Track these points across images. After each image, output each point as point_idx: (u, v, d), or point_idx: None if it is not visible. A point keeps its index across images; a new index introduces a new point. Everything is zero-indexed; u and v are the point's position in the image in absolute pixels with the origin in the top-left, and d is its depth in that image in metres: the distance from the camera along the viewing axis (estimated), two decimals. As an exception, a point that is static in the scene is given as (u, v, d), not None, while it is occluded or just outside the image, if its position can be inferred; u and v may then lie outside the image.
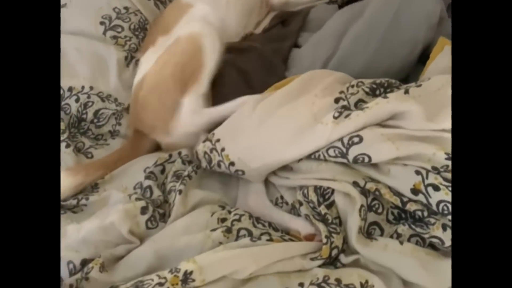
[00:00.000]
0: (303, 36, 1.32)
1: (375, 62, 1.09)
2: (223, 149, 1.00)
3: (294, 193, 0.99)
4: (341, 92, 0.97)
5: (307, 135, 0.92)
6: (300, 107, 0.96)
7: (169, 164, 1.13)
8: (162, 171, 1.12)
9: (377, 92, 0.95)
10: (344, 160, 0.90)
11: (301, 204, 0.95)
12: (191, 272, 0.80)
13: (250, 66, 1.18)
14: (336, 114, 0.91)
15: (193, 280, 0.80)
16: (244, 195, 1.05)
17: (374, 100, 0.90)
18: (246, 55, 1.22)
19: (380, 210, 0.89)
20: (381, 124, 0.91)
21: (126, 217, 0.96)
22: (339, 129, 0.90)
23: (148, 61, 1.27)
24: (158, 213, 1.00)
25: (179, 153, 1.14)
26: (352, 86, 0.98)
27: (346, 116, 0.90)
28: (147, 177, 1.08)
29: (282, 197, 1.02)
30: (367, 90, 0.95)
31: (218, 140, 1.02)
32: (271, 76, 1.15)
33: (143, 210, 0.98)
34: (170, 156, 1.13)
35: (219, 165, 1.02)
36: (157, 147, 1.25)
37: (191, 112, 1.15)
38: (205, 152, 1.03)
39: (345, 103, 0.93)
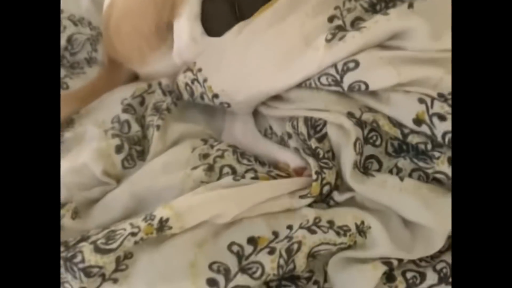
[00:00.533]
0: None
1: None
2: (205, 80, 0.89)
3: (283, 124, 0.89)
4: (336, 7, 0.84)
5: (296, 62, 0.81)
6: (289, 29, 0.84)
7: (148, 95, 1.02)
8: (141, 103, 1.02)
9: (378, 7, 0.82)
10: (339, 89, 0.80)
11: (290, 136, 0.86)
12: (167, 220, 0.72)
13: None
14: (329, 37, 0.79)
15: (170, 228, 0.72)
16: (230, 125, 0.95)
17: (373, 18, 0.78)
18: None
19: (378, 142, 0.80)
20: (381, 46, 0.78)
21: (99, 157, 0.87)
22: (332, 54, 0.78)
23: None
24: (136, 150, 0.91)
25: (159, 83, 1.03)
26: (350, 0, 0.84)
27: (341, 39, 0.78)
28: (124, 110, 0.98)
29: (271, 128, 0.92)
30: (366, 6, 0.82)
31: (200, 70, 0.91)
32: None
33: (118, 149, 0.89)
34: (150, 86, 1.03)
35: (202, 97, 0.92)
36: (136, 77, 1.13)
37: (189, 39, 0.98)
38: (186, 84, 0.93)
39: (340, 22, 0.81)
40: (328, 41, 0.79)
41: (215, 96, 0.89)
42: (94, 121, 1.01)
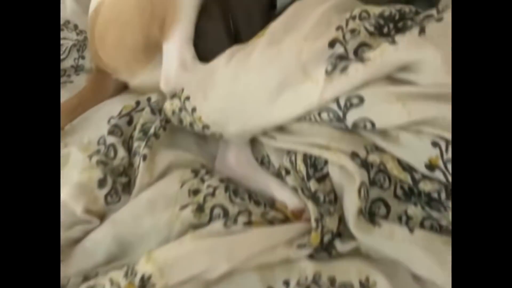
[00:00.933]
0: None
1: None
2: (194, 109, 0.81)
3: (281, 155, 0.80)
4: (338, 28, 0.74)
5: (293, 94, 0.73)
6: (285, 54, 0.74)
7: (136, 113, 0.94)
8: (129, 122, 0.94)
9: (385, 29, 0.72)
10: (341, 125, 0.70)
11: (288, 172, 0.78)
12: (149, 277, 0.65)
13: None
14: (330, 68, 0.70)
15: (153, 285, 0.65)
16: (224, 151, 0.87)
17: (380, 48, 0.68)
18: None
19: (386, 185, 0.71)
20: (388, 78, 0.69)
21: (80, 193, 0.81)
22: (333, 88, 0.69)
23: None
24: (120, 183, 0.83)
25: (148, 100, 0.94)
26: (354, 18, 0.75)
27: (343, 71, 0.69)
28: (110, 132, 0.91)
29: (268, 156, 0.83)
30: (372, 29, 0.72)
31: (187, 98, 0.82)
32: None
33: (101, 183, 0.82)
34: (138, 103, 0.94)
35: (191, 126, 0.84)
36: (126, 85, 1.05)
37: (178, 65, 0.89)
38: (173, 112, 0.84)
39: (341, 50, 0.71)
40: (328, 73, 0.69)
41: (206, 127, 0.81)
42: (79, 142, 0.94)
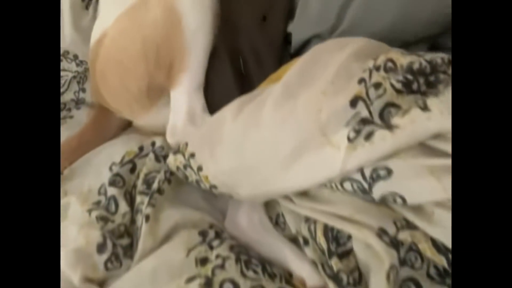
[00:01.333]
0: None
1: (415, 4, 0.74)
2: (199, 168, 0.73)
3: (298, 220, 0.72)
4: (361, 81, 0.65)
5: (311, 159, 0.64)
6: (301, 112, 0.66)
7: (140, 159, 0.86)
8: (132, 170, 0.86)
9: (414, 86, 0.63)
10: (367, 198, 0.62)
11: (306, 242, 0.69)
12: None
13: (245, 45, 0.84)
14: (352, 135, 0.61)
15: None
16: (235, 209, 0.79)
17: (410, 114, 0.59)
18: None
19: (418, 264, 0.62)
20: (420, 146, 0.60)
21: (77, 260, 0.74)
22: (357, 157, 0.61)
23: (107, 7, 0.94)
24: (121, 246, 0.76)
25: (153, 144, 0.87)
26: (378, 69, 0.65)
27: (367, 138, 0.60)
28: (111, 183, 0.84)
29: (283, 216, 0.75)
30: (399, 86, 0.62)
31: (192, 155, 0.74)
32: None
33: (100, 248, 0.75)
34: (141, 149, 0.87)
35: (198, 184, 0.75)
36: (129, 123, 0.97)
37: (186, 117, 0.83)
38: (178, 168, 0.76)
39: (365, 113, 0.62)
40: (351, 140, 0.60)
41: (213, 187, 0.73)
42: (79, 190, 0.87)
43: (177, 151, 0.77)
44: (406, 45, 0.77)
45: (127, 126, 0.98)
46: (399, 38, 0.75)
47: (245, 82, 0.82)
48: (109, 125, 0.95)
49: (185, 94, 0.82)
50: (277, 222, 0.77)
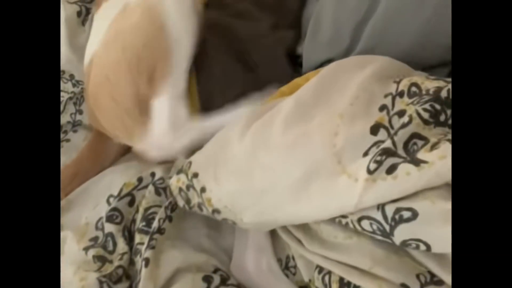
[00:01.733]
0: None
1: (435, 27, 0.66)
2: (203, 189, 0.66)
3: (310, 265, 0.64)
4: (383, 108, 0.58)
5: (323, 187, 0.56)
6: (315, 134, 0.59)
7: (139, 191, 0.80)
8: (131, 203, 0.80)
9: (442, 117, 0.55)
10: (388, 240, 0.54)
11: (320, 294, 0.61)
12: None
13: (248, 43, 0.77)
14: (373, 166, 0.53)
15: None
16: (241, 250, 0.71)
17: (439, 149, 0.51)
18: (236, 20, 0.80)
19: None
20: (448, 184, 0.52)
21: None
22: (377, 192, 0.53)
23: (99, 26, 0.87)
24: (119, 294, 0.69)
25: (152, 175, 0.80)
26: (401, 95, 0.58)
27: (389, 172, 0.53)
28: (109, 218, 0.77)
29: (293, 258, 0.68)
30: (426, 116, 0.55)
31: (195, 175, 0.67)
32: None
33: (96, 299, 0.67)
34: (140, 181, 0.80)
35: (200, 208, 0.68)
36: (128, 148, 0.91)
37: (169, 127, 0.76)
38: (180, 189, 0.69)
39: (388, 143, 0.54)
40: (371, 172, 0.53)
41: (216, 211, 0.66)
42: (76, 222, 0.82)
43: (180, 170, 0.70)
44: (424, 70, 0.70)
45: (125, 151, 0.91)
46: (417, 63, 0.68)
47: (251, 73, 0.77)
48: (106, 152, 0.89)
49: (167, 101, 0.76)
50: (287, 265, 0.69)
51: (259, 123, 0.65)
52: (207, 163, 0.67)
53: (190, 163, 0.69)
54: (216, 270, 0.70)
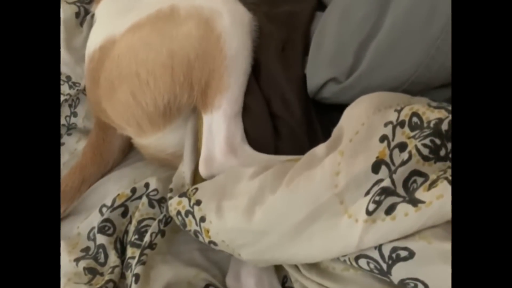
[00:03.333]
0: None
1: (441, 48, 0.65)
2: (202, 219, 0.65)
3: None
4: (383, 138, 0.57)
5: (325, 229, 0.56)
6: (317, 176, 0.58)
7: (132, 202, 0.79)
8: (124, 214, 0.79)
9: (442, 152, 0.55)
10: (386, 279, 0.54)
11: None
12: None
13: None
14: (372, 207, 0.53)
15: None
16: (238, 263, 0.71)
17: (437, 187, 0.51)
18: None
19: None
20: (448, 223, 0.52)
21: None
22: (375, 233, 0.53)
23: (107, 16, 0.85)
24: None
25: (146, 186, 0.79)
26: (402, 125, 0.58)
27: (388, 212, 0.52)
28: (100, 230, 0.76)
29: (291, 280, 0.68)
30: (426, 152, 0.55)
31: (198, 203, 0.66)
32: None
33: (86, 310, 0.67)
34: (134, 191, 0.79)
35: (196, 235, 0.68)
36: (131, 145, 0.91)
37: (228, 149, 0.73)
38: (179, 212, 0.68)
39: (387, 182, 0.54)
40: (370, 213, 0.53)
41: (213, 243, 0.65)
42: (68, 232, 0.82)
43: (183, 194, 0.69)
44: (429, 89, 0.69)
45: (128, 148, 0.90)
46: (422, 82, 0.67)
47: (274, 122, 0.74)
48: (110, 151, 0.88)
49: (223, 119, 0.72)
50: (284, 285, 0.69)
51: (273, 170, 0.64)
52: (213, 193, 0.66)
53: (196, 189, 0.69)
54: (207, 286, 0.69)
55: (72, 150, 0.95)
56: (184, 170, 0.77)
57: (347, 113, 0.65)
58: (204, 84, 0.73)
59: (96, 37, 0.84)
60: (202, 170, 0.73)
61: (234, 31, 0.74)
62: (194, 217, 0.67)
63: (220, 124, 0.73)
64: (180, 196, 0.70)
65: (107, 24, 0.84)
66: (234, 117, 0.73)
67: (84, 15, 0.97)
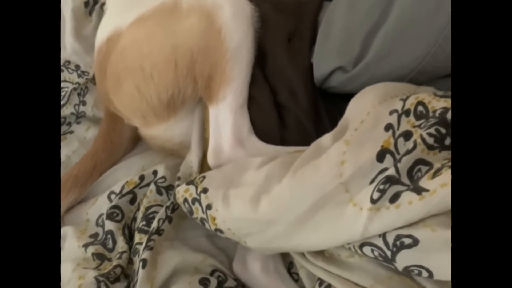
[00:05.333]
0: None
1: (449, 36, 0.65)
2: (208, 206, 0.66)
3: (312, 276, 0.65)
4: (388, 127, 0.58)
5: (331, 217, 0.57)
6: (322, 165, 0.59)
7: (140, 189, 0.80)
8: (132, 201, 0.80)
9: (447, 141, 0.55)
10: (391, 266, 0.55)
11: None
12: None
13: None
14: (376, 195, 0.53)
15: None
16: (245, 249, 0.71)
17: (441, 176, 0.51)
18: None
19: None
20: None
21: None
22: (380, 221, 0.53)
23: (116, 8, 0.86)
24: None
25: (154, 174, 0.80)
26: (407, 114, 0.58)
27: (392, 201, 0.53)
28: (109, 216, 0.77)
29: (295, 265, 0.69)
30: (431, 141, 0.55)
31: (205, 191, 0.67)
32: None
33: (93, 296, 0.68)
34: (142, 178, 0.80)
35: (202, 223, 0.69)
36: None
37: (235, 141, 0.73)
38: (186, 200, 0.69)
39: (391, 170, 0.54)
40: (374, 201, 0.53)
41: (219, 230, 0.66)
42: (77, 218, 0.84)
43: (191, 181, 0.70)
44: (436, 79, 0.69)
45: (138, 137, 0.91)
46: (429, 71, 0.67)
47: (279, 114, 0.74)
48: (121, 140, 0.89)
49: (229, 111, 0.73)
50: (290, 271, 0.70)
51: (280, 160, 0.65)
52: (220, 182, 0.67)
53: (204, 177, 0.69)
54: (213, 271, 0.70)
55: (82, 139, 0.96)
56: (192, 159, 0.78)
57: (352, 104, 0.65)
58: (207, 77, 0.74)
59: (104, 30, 0.85)
60: (211, 161, 0.74)
61: (235, 24, 0.74)
62: (200, 204, 0.67)
63: (226, 116, 0.73)
64: (188, 184, 0.70)
65: (115, 16, 0.85)
66: (239, 109, 0.74)
67: (93, 5, 0.97)
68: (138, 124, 0.83)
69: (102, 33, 0.84)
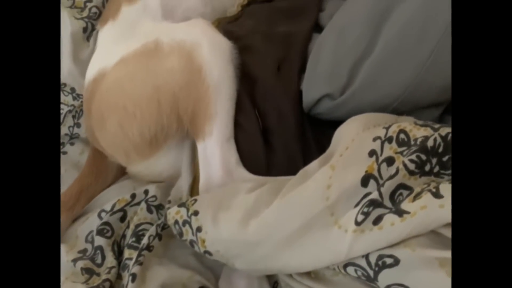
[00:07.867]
0: (329, 5, 0.90)
1: (432, 68, 0.69)
2: (198, 229, 0.68)
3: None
4: (372, 153, 0.61)
5: (317, 239, 0.60)
6: (309, 189, 0.62)
7: (131, 207, 0.82)
8: (122, 218, 0.82)
9: (427, 167, 0.59)
10: (373, 285, 0.58)
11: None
12: None
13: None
14: (360, 218, 0.57)
15: None
16: (230, 269, 0.74)
17: (421, 199, 0.55)
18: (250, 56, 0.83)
19: None
20: (433, 233, 0.56)
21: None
22: (364, 243, 0.57)
23: (106, 44, 0.90)
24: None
25: (146, 193, 0.82)
26: (390, 141, 0.62)
27: (376, 222, 0.56)
28: (99, 232, 0.79)
29: (281, 286, 0.70)
30: (412, 167, 0.59)
31: (195, 213, 0.69)
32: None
33: (83, 309, 0.69)
34: (133, 197, 0.83)
35: (191, 245, 0.71)
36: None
37: (225, 173, 0.76)
38: (176, 222, 0.71)
39: (375, 194, 0.58)
40: (358, 224, 0.56)
41: (208, 253, 0.68)
42: (68, 237, 0.84)
43: (182, 204, 0.72)
44: (418, 108, 0.73)
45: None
46: (411, 101, 0.71)
47: (267, 138, 0.78)
48: (108, 167, 0.92)
49: (217, 145, 0.76)
50: (274, 288, 0.72)
51: (269, 186, 0.68)
52: (210, 204, 0.70)
53: (195, 200, 0.72)
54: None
55: (75, 162, 0.98)
56: (182, 184, 0.81)
57: (338, 133, 0.69)
58: (192, 113, 0.77)
59: (91, 70, 0.89)
60: (203, 192, 0.77)
61: (215, 61, 0.78)
62: (191, 226, 0.69)
63: (214, 150, 0.77)
64: (179, 206, 0.73)
65: (102, 55, 0.89)
66: (226, 142, 0.77)
67: (91, 30, 1.01)
68: (121, 161, 0.87)
69: (89, 73, 0.89)
